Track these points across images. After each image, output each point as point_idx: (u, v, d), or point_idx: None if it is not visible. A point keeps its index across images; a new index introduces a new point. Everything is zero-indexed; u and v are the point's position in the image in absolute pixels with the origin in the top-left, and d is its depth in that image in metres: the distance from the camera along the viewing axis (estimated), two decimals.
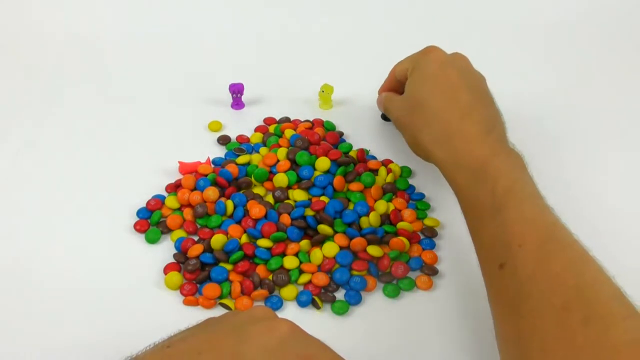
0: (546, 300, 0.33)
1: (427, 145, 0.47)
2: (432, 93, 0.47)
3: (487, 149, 0.42)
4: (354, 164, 0.56)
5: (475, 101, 0.46)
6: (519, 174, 0.41)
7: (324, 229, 0.49)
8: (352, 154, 0.58)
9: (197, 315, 0.45)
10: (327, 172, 0.55)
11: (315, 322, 0.45)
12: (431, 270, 0.49)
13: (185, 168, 0.57)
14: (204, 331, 0.32)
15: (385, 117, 0.68)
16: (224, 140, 0.61)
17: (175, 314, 0.45)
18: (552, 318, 0.32)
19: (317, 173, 0.55)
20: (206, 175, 0.55)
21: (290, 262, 0.48)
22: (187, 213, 0.52)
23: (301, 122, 0.64)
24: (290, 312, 0.46)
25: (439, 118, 0.45)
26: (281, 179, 0.54)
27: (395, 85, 0.56)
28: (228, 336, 0.31)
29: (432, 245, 0.51)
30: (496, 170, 0.40)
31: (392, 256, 0.49)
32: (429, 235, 0.52)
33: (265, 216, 0.51)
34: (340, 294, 0.47)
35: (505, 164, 0.41)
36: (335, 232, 0.50)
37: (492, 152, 0.42)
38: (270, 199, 0.53)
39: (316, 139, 0.58)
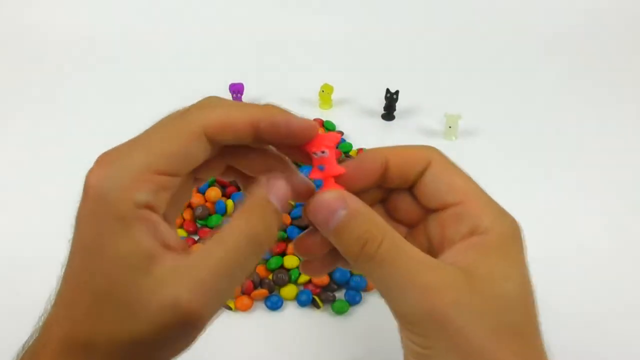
0: None
1: None
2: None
3: None
4: None
5: None
6: None
7: None
8: (352, 153, 0.58)
9: None
10: None
11: (315, 322, 0.45)
12: None
13: None
14: None
15: (385, 117, 0.68)
16: None
17: None
18: None
19: None
20: None
21: (290, 261, 0.48)
22: (187, 213, 0.52)
23: None
24: (290, 311, 0.46)
25: None
26: None
27: (369, 176, 0.28)
28: None
29: None
30: None
31: None
32: None
33: None
34: (340, 294, 0.47)
35: None
36: None
37: None
38: None
39: None
